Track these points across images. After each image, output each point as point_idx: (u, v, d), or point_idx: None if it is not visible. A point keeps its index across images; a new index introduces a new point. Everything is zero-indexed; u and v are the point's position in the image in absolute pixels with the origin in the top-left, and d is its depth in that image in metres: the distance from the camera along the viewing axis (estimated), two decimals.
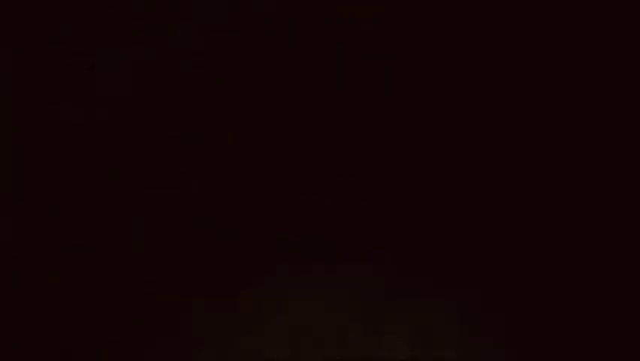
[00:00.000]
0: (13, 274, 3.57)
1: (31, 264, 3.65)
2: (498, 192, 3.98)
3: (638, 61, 3.72)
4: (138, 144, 4.16)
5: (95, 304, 3.52)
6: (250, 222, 4.01)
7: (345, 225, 4.03)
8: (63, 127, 4.08)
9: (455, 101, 4.27)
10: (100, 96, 4.17)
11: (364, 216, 4.09)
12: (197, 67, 4.38)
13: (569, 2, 3.69)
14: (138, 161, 4.12)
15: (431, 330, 3.29)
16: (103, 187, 4.01)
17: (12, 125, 4.00)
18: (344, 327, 3.43)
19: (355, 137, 4.35)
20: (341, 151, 4.35)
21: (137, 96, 4.25)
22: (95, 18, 4.28)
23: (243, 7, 4.52)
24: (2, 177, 3.86)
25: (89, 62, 4.21)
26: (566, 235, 3.75)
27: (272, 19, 4.56)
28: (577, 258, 3.69)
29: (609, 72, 3.82)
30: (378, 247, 3.87)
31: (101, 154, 4.09)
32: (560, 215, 3.80)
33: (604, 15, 3.72)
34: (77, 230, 3.81)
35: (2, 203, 3.78)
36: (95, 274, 3.67)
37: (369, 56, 4.69)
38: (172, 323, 3.46)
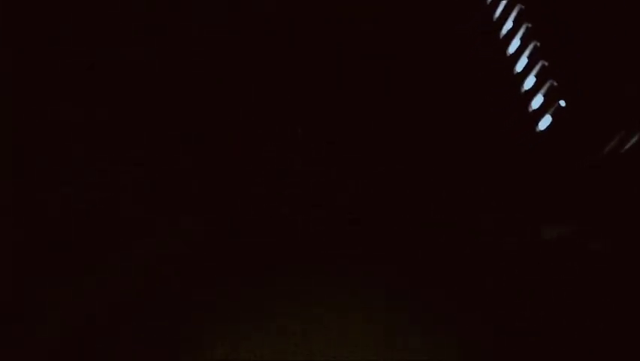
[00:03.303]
0: (12, 272, 3.57)
1: (31, 262, 3.65)
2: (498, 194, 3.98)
3: None
4: (138, 144, 4.15)
5: (94, 303, 3.52)
6: (250, 222, 4.01)
7: (348, 226, 4.03)
8: (63, 127, 4.08)
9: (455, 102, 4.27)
10: (100, 96, 4.17)
11: (369, 217, 4.09)
12: (198, 67, 4.38)
13: None
14: (138, 161, 4.12)
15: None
16: (103, 187, 4.01)
17: (12, 125, 4.00)
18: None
19: (356, 136, 4.35)
20: (341, 151, 4.35)
21: (137, 96, 4.24)
22: (95, 18, 4.28)
23: (243, 7, 4.52)
24: (2, 177, 3.86)
25: (89, 62, 4.21)
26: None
27: (272, 19, 4.56)
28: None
29: None
30: (379, 249, 3.87)
31: (101, 154, 4.08)
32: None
33: None
34: (77, 229, 3.82)
35: (2, 203, 3.78)
36: (95, 272, 3.67)
37: (369, 55, 4.69)
38: (170, 322, 3.46)
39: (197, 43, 4.45)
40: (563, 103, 2.77)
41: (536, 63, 2.93)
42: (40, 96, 4.14)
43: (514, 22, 3.21)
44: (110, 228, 3.85)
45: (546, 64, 2.85)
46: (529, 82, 3.06)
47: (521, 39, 3.19)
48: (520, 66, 3.14)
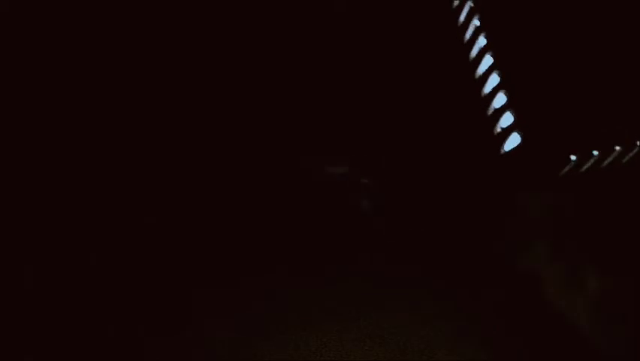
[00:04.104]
0: (13, 272, 3.57)
1: (32, 262, 3.65)
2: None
3: None
4: (138, 143, 4.15)
5: (95, 302, 3.53)
6: (250, 222, 4.02)
7: (349, 227, 4.05)
8: (63, 127, 4.07)
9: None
10: (100, 96, 4.15)
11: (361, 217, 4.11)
12: (198, 67, 4.36)
13: None
14: (138, 160, 4.12)
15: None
16: (102, 187, 4.00)
17: (12, 126, 3.99)
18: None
19: (356, 138, 4.36)
20: (341, 151, 4.36)
21: (137, 96, 4.23)
22: (95, 18, 4.25)
23: (244, 7, 4.50)
24: (2, 177, 3.85)
25: (89, 62, 4.19)
26: None
27: (273, 19, 4.54)
28: None
29: None
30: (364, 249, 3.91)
31: (101, 154, 4.08)
32: None
33: None
34: (77, 229, 3.82)
35: (2, 203, 3.77)
36: (94, 272, 3.67)
37: (368, 56, 4.69)
38: (170, 323, 3.47)
39: (198, 43, 4.43)
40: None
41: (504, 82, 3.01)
42: (40, 96, 4.12)
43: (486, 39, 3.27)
44: (111, 228, 3.86)
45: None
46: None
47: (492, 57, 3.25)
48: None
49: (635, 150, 2.85)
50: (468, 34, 3.46)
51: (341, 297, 3.60)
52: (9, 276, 3.54)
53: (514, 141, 3.01)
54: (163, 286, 3.61)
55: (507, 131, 3.01)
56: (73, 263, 3.65)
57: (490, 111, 3.15)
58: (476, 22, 3.36)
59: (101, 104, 4.19)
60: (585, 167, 2.82)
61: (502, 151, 3.03)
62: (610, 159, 2.80)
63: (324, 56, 4.40)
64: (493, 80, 3.17)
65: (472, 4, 3.56)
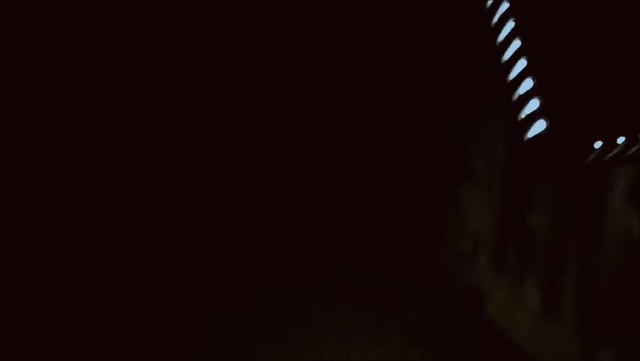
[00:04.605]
0: (13, 272, 3.58)
1: (32, 262, 3.66)
2: None
3: None
4: (138, 144, 4.15)
5: (96, 303, 3.53)
6: (250, 222, 4.03)
7: (348, 227, 4.05)
8: (63, 127, 4.07)
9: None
10: (100, 96, 4.16)
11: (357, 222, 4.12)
12: (197, 68, 4.36)
13: None
14: (138, 161, 4.12)
15: None
16: (102, 187, 4.01)
17: (12, 125, 3.99)
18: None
19: (354, 138, 4.37)
20: (340, 152, 4.37)
21: (137, 97, 4.24)
22: (95, 19, 4.25)
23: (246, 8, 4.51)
24: (2, 177, 3.86)
25: (89, 62, 4.19)
26: None
27: (274, 19, 4.54)
28: None
29: None
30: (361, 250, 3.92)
31: (101, 154, 4.08)
32: None
33: None
34: (77, 229, 3.82)
35: (2, 203, 3.78)
36: (94, 272, 3.68)
37: (366, 57, 4.70)
38: (169, 325, 3.47)
39: (198, 43, 4.44)
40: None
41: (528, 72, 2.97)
42: (40, 96, 4.13)
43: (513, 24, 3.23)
44: (111, 228, 3.86)
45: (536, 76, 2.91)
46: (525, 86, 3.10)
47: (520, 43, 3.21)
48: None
49: None
50: (496, 19, 3.39)
51: (341, 297, 3.61)
52: (9, 276, 3.54)
53: (539, 127, 2.95)
54: (163, 287, 3.62)
55: (532, 118, 2.96)
56: (73, 263, 3.65)
57: (515, 97, 3.10)
58: (506, 4, 3.29)
59: (101, 105, 4.20)
60: (610, 155, 2.78)
61: (526, 138, 2.98)
62: (636, 147, 2.75)
63: (324, 55, 4.40)
64: (520, 65, 3.12)
65: None
